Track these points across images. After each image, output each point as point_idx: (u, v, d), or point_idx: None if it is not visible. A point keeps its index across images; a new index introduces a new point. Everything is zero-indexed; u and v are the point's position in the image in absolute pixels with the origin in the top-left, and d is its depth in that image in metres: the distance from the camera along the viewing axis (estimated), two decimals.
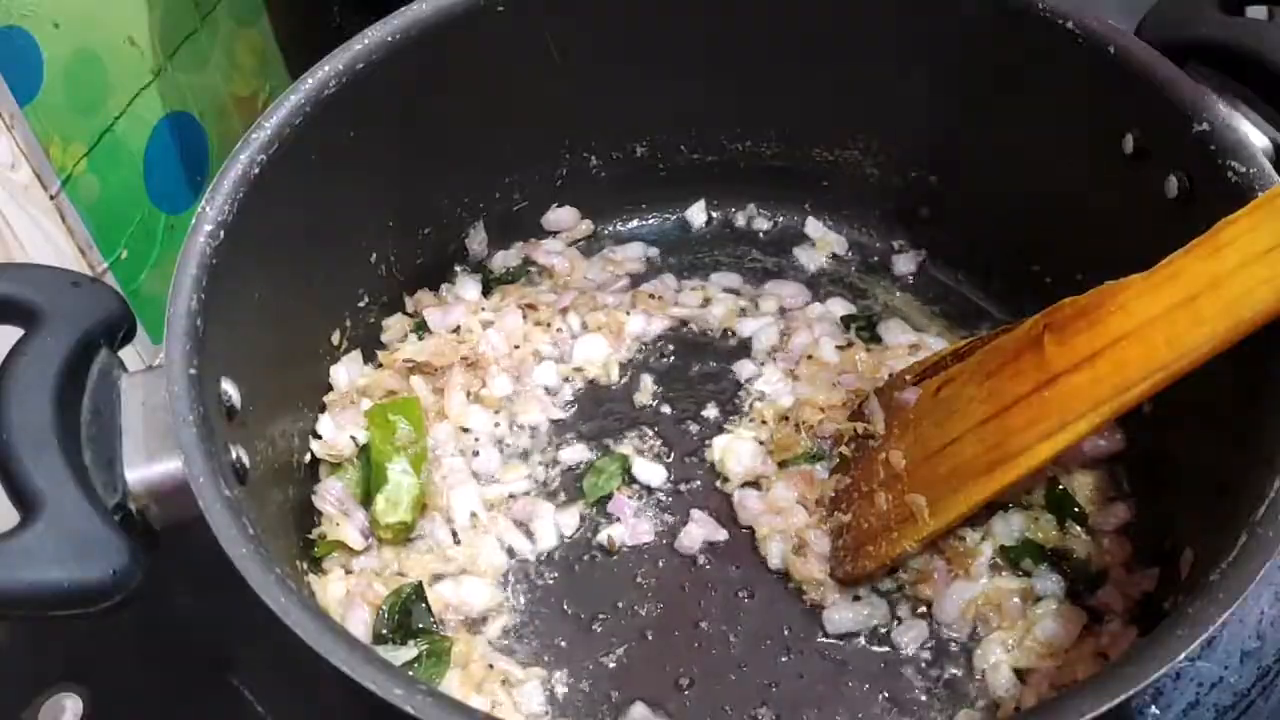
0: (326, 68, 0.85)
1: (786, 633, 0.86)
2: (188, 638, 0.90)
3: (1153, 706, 0.85)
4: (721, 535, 0.91)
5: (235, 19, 1.17)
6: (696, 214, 1.12)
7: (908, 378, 0.92)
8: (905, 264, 1.08)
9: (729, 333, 1.04)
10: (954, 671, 0.84)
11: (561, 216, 1.09)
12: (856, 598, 0.87)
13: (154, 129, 1.06)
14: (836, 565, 0.88)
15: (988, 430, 0.82)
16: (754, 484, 0.93)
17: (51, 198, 0.93)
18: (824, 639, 0.86)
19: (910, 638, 0.85)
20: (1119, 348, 0.75)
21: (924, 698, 0.83)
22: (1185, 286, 0.73)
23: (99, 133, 0.99)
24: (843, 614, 0.86)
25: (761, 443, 0.95)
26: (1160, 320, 0.74)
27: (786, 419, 0.96)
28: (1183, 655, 0.58)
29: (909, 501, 0.85)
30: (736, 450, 0.94)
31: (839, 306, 1.05)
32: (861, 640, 0.86)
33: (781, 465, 0.94)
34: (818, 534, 0.90)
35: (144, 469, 0.70)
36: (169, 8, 1.05)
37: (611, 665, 0.85)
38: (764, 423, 0.96)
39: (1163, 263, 0.74)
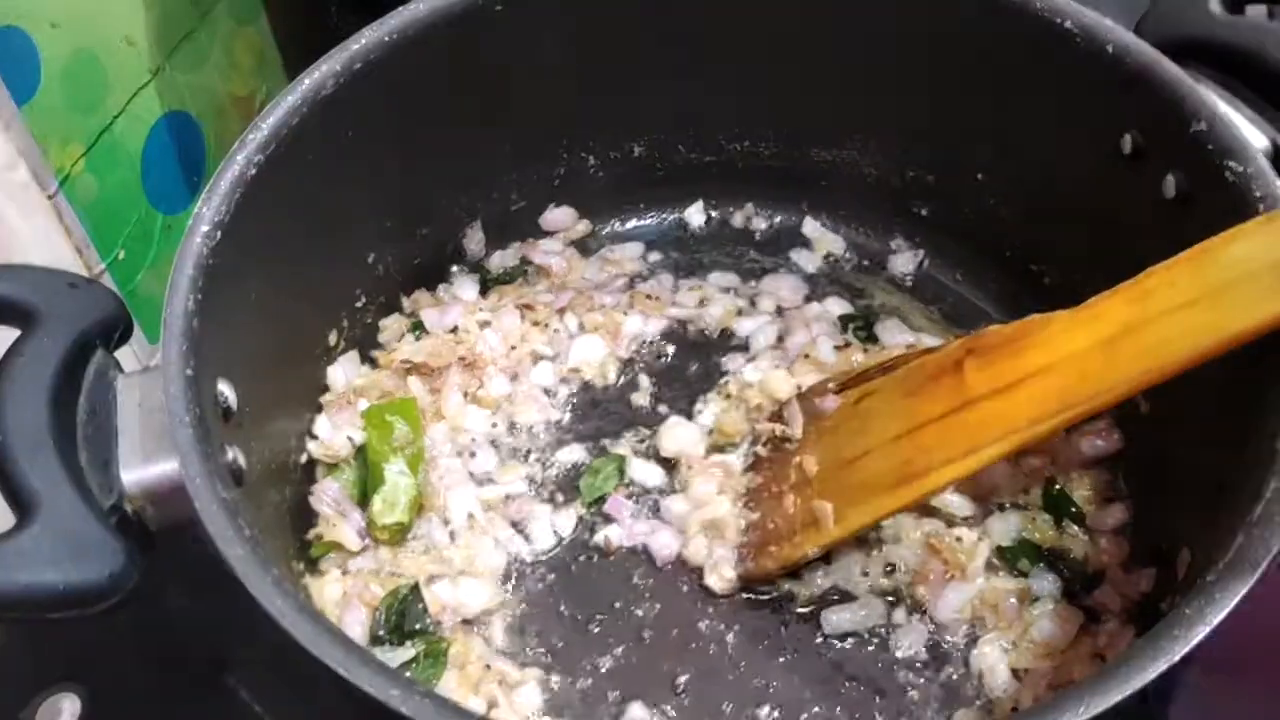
0: (323, 68, 0.85)
1: (784, 632, 0.86)
2: (186, 638, 0.90)
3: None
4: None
5: (234, 18, 1.17)
6: (695, 214, 1.11)
7: (831, 385, 0.93)
8: (903, 264, 1.08)
9: (726, 332, 1.04)
10: (951, 672, 0.84)
11: (559, 216, 1.09)
12: (853, 598, 0.87)
13: (152, 129, 1.06)
14: (738, 562, 0.88)
15: (900, 447, 0.83)
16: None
17: (49, 198, 0.93)
18: (821, 639, 0.86)
19: (908, 639, 0.85)
20: (1037, 379, 0.77)
21: (920, 698, 0.83)
22: (1107, 327, 0.74)
23: (97, 133, 0.99)
24: (840, 615, 0.86)
25: (710, 432, 0.95)
26: (1080, 357, 0.75)
27: (745, 401, 0.96)
28: (1180, 655, 0.58)
29: (815, 508, 0.86)
30: (676, 432, 0.95)
31: (837, 306, 1.05)
32: (859, 641, 0.86)
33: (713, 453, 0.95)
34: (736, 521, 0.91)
35: (140, 470, 0.70)
36: (167, 7, 1.05)
37: (609, 666, 0.85)
38: (728, 396, 0.97)
39: (1089, 301, 0.76)
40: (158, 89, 1.06)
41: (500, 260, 1.06)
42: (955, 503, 0.89)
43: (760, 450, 0.93)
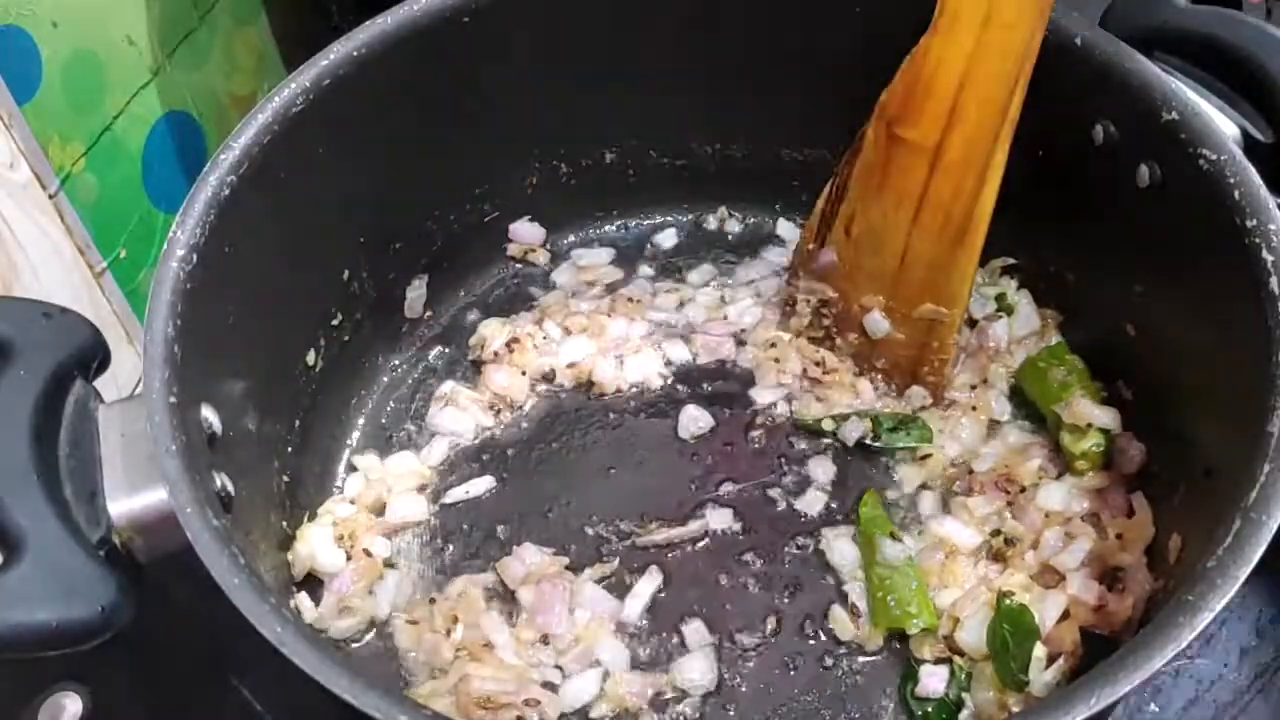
0: (293, 85, 0.84)
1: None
2: (188, 638, 0.88)
3: (1151, 704, 0.85)
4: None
5: (234, 18, 1.16)
6: (667, 239, 1.11)
7: (810, 246, 0.97)
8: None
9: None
10: None
11: (526, 232, 1.08)
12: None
13: (152, 128, 1.05)
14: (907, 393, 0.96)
15: (926, 220, 0.88)
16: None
17: (50, 197, 0.93)
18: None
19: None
20: (967, 89, 0.82)
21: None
22: (970, 17, 0.80)
23: (97, 132, 0.98)
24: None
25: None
26: (976, 49, 0.80)
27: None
28: (1186, 642, 0.59)
29: (923, 316, 0.91)
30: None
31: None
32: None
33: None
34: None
35: (127, 501, 0.69)
36: (167, 7, 1.05)
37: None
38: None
39: (938, 13, 0.82)
40: (158, 88, 1.05)
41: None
42: None
43: (814, 334, 0.99)
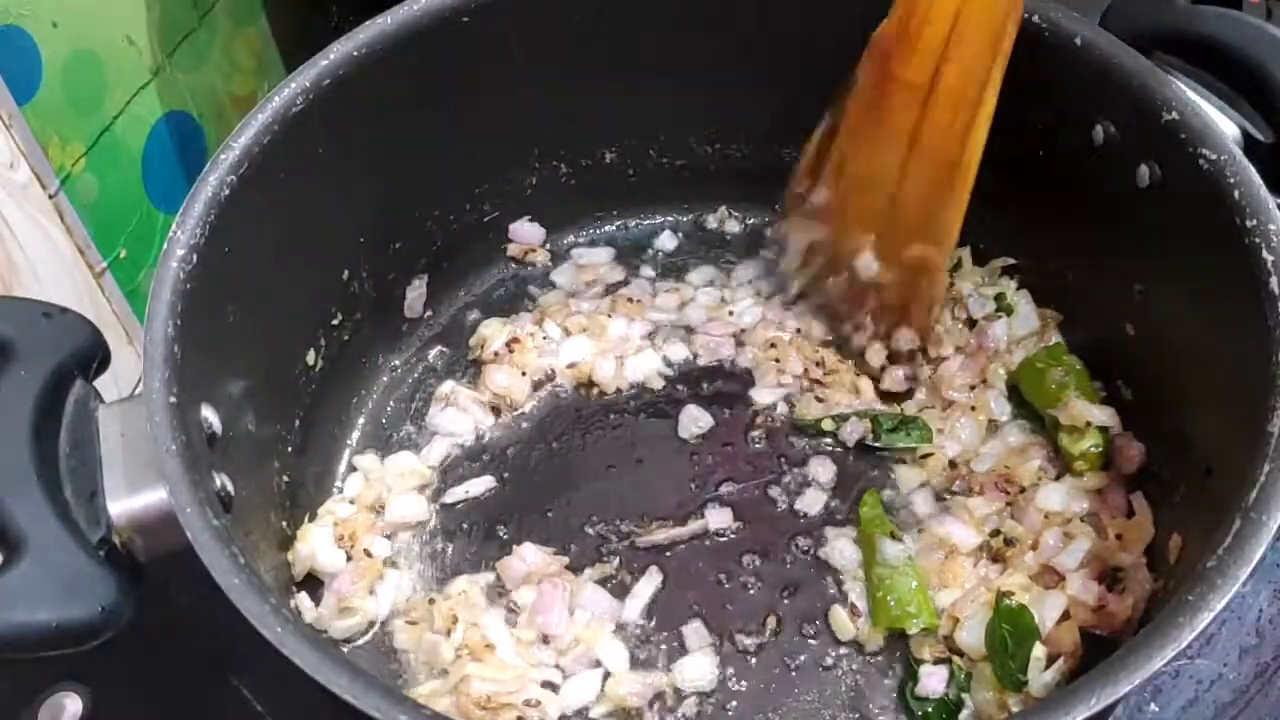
0: (293, 85, 0.84)
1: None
2: (188, 638, 0.88)
3: (1151, 704, 0.85)
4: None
5: (234, 19, 1.16)
6: (667, 240, 1.11)
7: (800, 190, 0.97)
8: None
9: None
10: None
11: (526, 231, 1.08)
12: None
13: (152, 128, 1.05)
14: (893, 345, 0.97)
15: (917, 159, 0.87)
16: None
17: (50, 197, 0.93)
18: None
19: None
20: (961, 21, 0.81)
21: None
22: None
23: (97, 132, 0.98)
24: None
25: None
26: None
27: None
28: (1186, 642, 0.59)
29: (913, 256, 0.90)
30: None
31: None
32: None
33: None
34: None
35: (127, 501, 0.69)
36: (167, 7, 1.05)
37: None
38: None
39: None
40: (158, 89, 1.05)
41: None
42: None
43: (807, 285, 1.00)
